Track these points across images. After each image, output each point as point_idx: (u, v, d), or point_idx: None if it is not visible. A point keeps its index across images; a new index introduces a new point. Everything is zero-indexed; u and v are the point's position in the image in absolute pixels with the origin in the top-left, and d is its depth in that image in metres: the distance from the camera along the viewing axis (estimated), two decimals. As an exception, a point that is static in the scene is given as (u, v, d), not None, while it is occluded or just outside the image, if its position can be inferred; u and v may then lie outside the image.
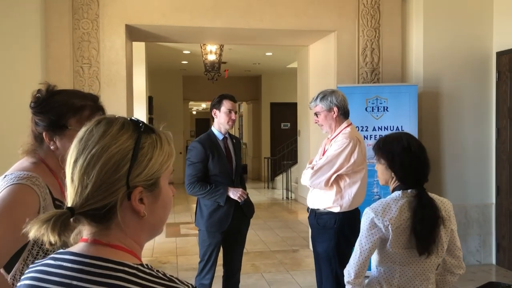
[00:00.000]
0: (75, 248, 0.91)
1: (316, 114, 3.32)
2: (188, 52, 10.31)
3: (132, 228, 0.94)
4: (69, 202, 0.91)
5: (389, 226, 2.01)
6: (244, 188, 3.71)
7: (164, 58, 10.91)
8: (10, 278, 1.42)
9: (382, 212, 2.02)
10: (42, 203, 1.43)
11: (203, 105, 22.60)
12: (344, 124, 3.28)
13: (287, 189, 11.11)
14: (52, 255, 0.93)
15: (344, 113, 3.27)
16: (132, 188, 0.90)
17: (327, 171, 3.16)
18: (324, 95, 3.27)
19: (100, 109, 1.62)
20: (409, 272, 2.06)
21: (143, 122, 0.96)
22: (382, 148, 2.12)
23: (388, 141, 2.12)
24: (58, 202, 1.51)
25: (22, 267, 1.42)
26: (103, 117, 0.96)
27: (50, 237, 0.85)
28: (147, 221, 0.95)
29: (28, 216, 1.36)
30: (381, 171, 2.13)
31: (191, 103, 16.54)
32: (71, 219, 0.88)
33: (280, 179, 12.13)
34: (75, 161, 0.91)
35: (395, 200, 2.06)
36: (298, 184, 10.45)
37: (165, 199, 0.98)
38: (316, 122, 3.36)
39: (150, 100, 9.91)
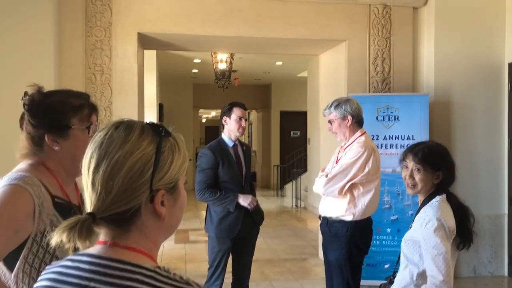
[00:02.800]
0: (93, 250, 0.91)
1: (330, 121, 3.32)
2: (199, 60, 10.36)
3: (151, 230, 0.95)
4: (90, 207, 0.91)
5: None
6: (254, 195, 3.71)
7: (175, 66, 10.97)
8: (14, 277, 1.42)
9: (445, 216, 2.12)
10: (37, 201, 1.43)
11: (213, 113, 22.66)
12: (358, 133, 3.28)
13: (296, 197, 11.08)
14: (69, 257, 0.92)
15: (358, 122, 3.27)
16: (155, 192, 0.92)
17: (341, 180, 3.16)
18: (338, 103, 3.27)
19: (94, 107, 1.62)
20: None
21: (163, 126, 0.97)
22: (432, 158, 2.20)
23: (437, 152, 2.22)
24: (58, 200, 1.50)
25: (24, 266, 1.42)
26: (120, 121, 0.96)
27: (78, 243, 0.85)
28: (165, 223, 0.96)
29: (21, 215, 1.38)
30: (422, 181, 2.21)
31: (201, 111, 16.57)
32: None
33: (289, 187, 12.09)
34: (97, 167, 0.91)
35: (444, 202, 2.17)
36: (307, 192, 10.40)
37: (182, 200, 1.00)
38: (329, 130, 3.36)
39: (160, 107, 9.96)
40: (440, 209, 2.10)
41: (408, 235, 2.19)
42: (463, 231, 2.11)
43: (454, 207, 2.12)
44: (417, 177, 2.21)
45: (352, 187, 3.19)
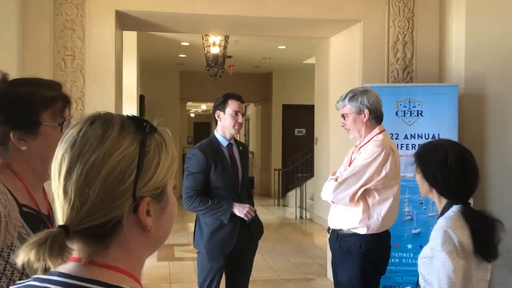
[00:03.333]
0: (65, 269, 0.89)
1: (343, 116, 3.33)
2: (187, 44, 10.36)
3: (134, 245, 0.94)
4: (62, 219, 0.89)
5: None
6: (252, 204, 3.72)
7: (158, 51, 10.96)
8: None
9: (456, 229, 2.14)
10: (3, 211, 1.42)
11: (203, 107, 22.67)
12: (376, 130, 3.29)
13: (301, 207, 11.10)
14: (37, 276, 0.91)
15: (376, 117, 3.29)
16: (139, 200, 0.91)
17: (353, 184, 3.17)
18: (354, 95, 3.29)
19: (68, 99, 1.62)
20: None
21: (147, 121, 0.96)
22: (421, 156, 2.24)
23: (426, 150, 2.24)
24: (26, 209, 1.50)
25: None
26: (95, 115, 0.94)
27: (49, 262, 0.84)
28: (152, 235, 0.95)
29: None
30: (419, 181, 2.27)
31: (189, 104, 16.55)
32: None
33: (293, 195, 12.11)
34: (69, 171, 0.89)
35: (456, 214, 2.18)
36: (314, 201, 10.42)
37: (172, 208, 1.00)
38: (343, 126, 3.37)
39: (141, 99, 9.96)
40: (452, 221, 2.13)
41: (423, 251, 2.22)
42: (482, 248, 2.11)
43: (470, 219, 2.13)
44: (416, 178, 2.29)
45: (366, 194, 3.20)
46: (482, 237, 2.13)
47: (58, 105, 1.56)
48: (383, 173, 3.16)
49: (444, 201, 2.24)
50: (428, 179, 2.22)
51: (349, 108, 3.29)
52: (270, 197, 13.88)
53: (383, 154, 3.16)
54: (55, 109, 1.55)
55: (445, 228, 2.14)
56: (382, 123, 3.37)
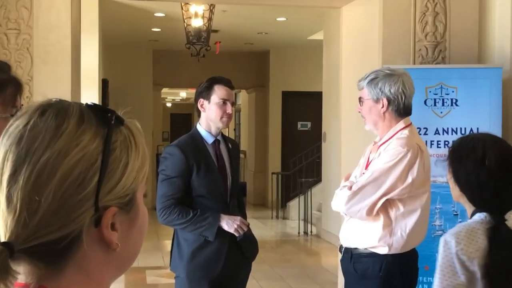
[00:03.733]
0: None
1: (360, 99, 3.37)
2: (162, 14, 10.35)
3: (96, 266, 0.93)
4: (5, 234, 0.88)
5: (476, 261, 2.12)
6: (244, 217, 3.72)
7: (126, 24, 10.93)
8: None
9: (467, 240, 2.13)
10: None
11: (183, 94, 22.67)
12: (400, 125, 3.30)
13: (305, 220, 11.13)
14: None
15: (398, 110, 3.29)
16: (102, 210, 0.90)
17: (371, 194, 3.17)
18: (375, 77, 3.31)
19: (20, 84, 1.63)
20: None
21: (111, 111, 0.96)
22: (455, 151, 2.25)
23: (462, 145, 2.25)
24: None
25: None
26: (47, 104, 0.93)
27: None
28: (118, 254, 0.95)
29: None
30: (450, 183, 2.29)
31: (164, 90, 16.53)
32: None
33: (295, 205, 12.14)
34: (14, 174, 0.88)
35: (481, 224, 2.17)
36: (322, 213, 10.45)
37: (142, 220, 1.00)
38: (359, 111, 3.41)
39: (104, 84, 9.96)
40: (465, 229, 2.15)
41: None
42: (495, 277, 2.09)
43: (492, 233, 2.11)
44: (448, 179, 2.31)
45: (388, 206, 3.21)
46: (501, 263, 2.09)
47: (8, 91, 1.56)
48: (409, 180, 3.17)
49: (470, 210, 2.25)
50: (459, 182, 2.22)
51: (366, 92, 3.33)
52: (266, 207, 13.90)
53: (409, 155, 3.17)
54: (5, 96, 1.56)
55: (446, 237, 2.15)
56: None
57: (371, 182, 3.19)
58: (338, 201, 3.30)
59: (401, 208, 3.22)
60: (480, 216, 2.17)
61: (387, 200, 3.20)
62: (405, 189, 3.18)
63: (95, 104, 0.96)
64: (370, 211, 3.19)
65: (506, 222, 2.16)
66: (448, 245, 2.13)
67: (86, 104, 0.96)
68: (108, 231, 0.91)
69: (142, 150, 0.98)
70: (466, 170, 2.19)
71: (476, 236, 2.12)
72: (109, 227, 0.92)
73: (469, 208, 2.25)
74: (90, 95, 7.94)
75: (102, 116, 0.94)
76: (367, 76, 3.34)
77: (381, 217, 3.22)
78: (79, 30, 5.66)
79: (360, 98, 3.37)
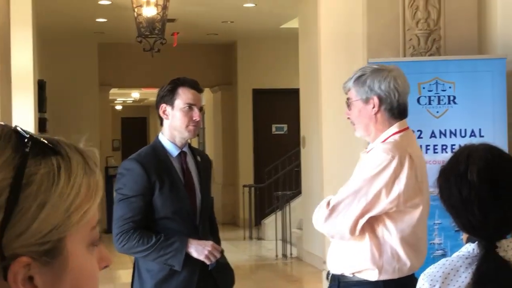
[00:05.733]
0: None
1: (347, 102, 3.39)
2: (108, 2, 10.33)
3: None
4: None
5: None
6: (217, 241, 3.74)
7: (66, 14, 10.89)
8: None
9: (443, 282, 2.09)
10: None
11: (135, 95, 22.53)
12: (394, 129, 3.31)
13: (283, 240, 11.09)
14: None
15: (392, 109, 3.29)
16: (10, 259, 0.87)
17: (351, 210, 3.17)
18: (362, 74, 3.32)
19: None
20: None
21: (30, 134, 0.93)
22: (441, 168, 2.22)
23: (449, 159, 2.22)
24: None
25: None
26: None
27: None
28: None
29: None
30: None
31: (113, 91, 16.43)
32: None
33: (271, 223, 12.09)
34: None
35: (466, 259, 2.12)
36: (303, 231, 10.47)
37: (80, 276, 0.95)
38: (348, 117, 3.41)
39: (41, 86, 9.88)
40: (442, 269, 2.11)
41: None
42: None
43: (482, 271, 2.06)
44: None
45: (374, 222, 3.21)
46: None
47: None
48: (395, 192, 3.15)
49: (465, 235, 2.19)
50: (443, 199, 2.17)
51: (353, 93, 3.34)
52: (237, 226, 13.91)
53: (394, 163, 3.15)
54: None
55: (420, 277, 2.13)
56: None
57: (350, 196, 3.18)
58: (316, 220, 3.30)
59: (390, 224, 3.21)
60: (467, 248, 2.13)
61: (372, 216, 3.19)
62: (391, 204, 3.16)
63: (20, 128, 0.94)
64: (352, 230, 3.17)
65: (504, 253, 2.09)
66: (426, 283, 2.09)
67: (14, 126, 0.94)
68: (17, 286, 0.87)
69: (81, 183, 0.94)
70: (449, 185, 2.14)
71: (457, 275, 2.07)
72: (20, 282, 0.87)
73: (464, 236, 2.20)
74: (24, 99, 7.88)
75: (18, 140, 0.92)
76: (353, 76, 3.35)
77: (367, 236, 3.21)
78: (8, 24, 5.63)
79: (347, 101, 3.38)
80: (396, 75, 3.31)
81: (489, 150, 2.19)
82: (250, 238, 12.85)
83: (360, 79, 3.32)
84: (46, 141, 0.94)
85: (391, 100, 3.29)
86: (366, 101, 3.30)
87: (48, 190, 0.90)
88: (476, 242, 2.12)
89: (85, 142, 1.00)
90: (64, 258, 0.92)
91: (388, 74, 3.30)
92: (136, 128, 23.30)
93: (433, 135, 5.11)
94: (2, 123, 0.95)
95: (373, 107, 3.29)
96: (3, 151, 0.89)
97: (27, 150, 0.91)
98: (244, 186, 13.41)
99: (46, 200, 0.89)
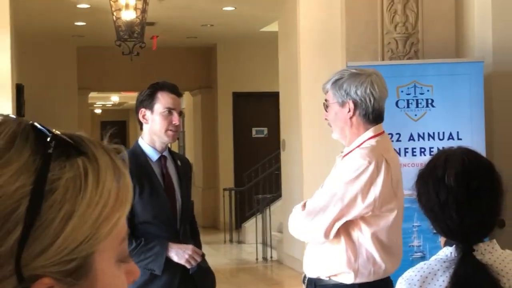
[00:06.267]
0: None
1: (325, 104, 3.43)
2: (87, 6, 10.30)
3: None
4: None
5: None
6: (198, 245, 3.75)
7: (44, 18, 10.85)
8: None
9: (420, 286, 2.11)
10: None
11: (115, 98, 22.46)
12: (369, 133, 3.34)
13: (264, 244, 11.12)
14: None
15: (367, 114, 3.33)
16: (30, 281, 0.76)
17: (326, 214, 3.19)
18: (339, 78, 3.35)
19: None
20: None
21: (52, 132, 0.81)
22: (419, 172, 2.24)
23: (427, 164, 2.25)
24: None
25: None
26: None
27: None
28: None
29: None
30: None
31: (93, 95, 16.39)
32: None
33: (251, 227, 12.08)
34: None
35: (444, 262, 2.15)
36: (283, 235, 10.48)
37: None
38: (325, 118, 3.45)
39: (19, 90, 9.83)
40: (420, 273, 2.15)
41: None
42: None
43: (460, 273, 2.08)
44: None
45: (350, 226, 3.24)
46: None
47: None
48: (371, 197, 3.18)
49: (443, 238, 2.22)
50: (421, 204, 2.20)
51: (331, 95, 3.38)
52: (218, 230, 13.90)
53: (370, 168, 3.18)
54: None
55: (398, 281, 2.16)
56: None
57: (326, 200, 3.21)
58: (291, 222, 3.33)
59: (365, 227, 3.24)
60: (445, 252, 2.16)
61: (347, 220, 3.22)
62: (366, 208, 3.19)
63: (39, 124, 0.82)
64: (326, 234, 3.20)
65: (481, 256, 2.12)
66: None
67: (31, 122, 0.82)
68: None
69: (112, 190, 0.82)
70: (427, 189, 2.17)
71: (435, 279, 2.10)
72: None
73: (442, 240, 2.23)
74: (2, 104, 7.83)
75: (39, 140, 0.79)
76: (332, 78, 3.39)
77: (342, 239, 3.24)
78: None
79: (325, 102, 3.42)
80: (373, 79, 3.33)
81: (466, 154, 2.21)
82: (231, 241, 12.85)
83: (337, 83, 3.35)
84: (70, 140, 0.81)
85: (366, 106, 3.32)
86: (342, 104, 3.34)
87: (74, 198, 0.78)
88: (454, 246, 2.14)
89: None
90: (92, 277, 0.80)
91: (365, 80, 3.32)
92: (116, 131, 23.16)
93: (411, 138, 5.15)
94: (13, 116, 0.82)
95: (348, 111, 3.33)
96: (20, 152, 0.78)
97: (49, 151, 0.79)
98: (225, 189, 13.39)
99: (72, 210, 0.77)
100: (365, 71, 3.42)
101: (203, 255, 3.68)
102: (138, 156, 3.67)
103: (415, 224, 4.94)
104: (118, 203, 0.84)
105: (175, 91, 3.73)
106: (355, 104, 3.32)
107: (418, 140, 5.15)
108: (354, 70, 3.44)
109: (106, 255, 0.82)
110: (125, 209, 0.85)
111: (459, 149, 2.27)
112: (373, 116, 3.35)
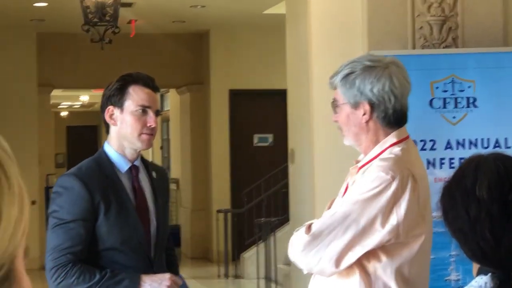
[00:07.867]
0: None
1: (333, 103, 3.39)
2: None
3: None
4: None
5: None
6: (176, 273, 3.73)
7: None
8: None
9: None
10: None
11: (84, 98, 22.55)
12: (391, 139, 3.31)
13: (267, 279, 11.19)
14: None
15: (387, 117, 3.29)
16: None
17: (336, 240, 3.18)
18: (350, 72, 3.30)
19: None
20: None
21: None
22: (445, 184, 2.23)
23: (454, 173, 2.23)
24: None
25: None
26: None
27: None
28: None
29: None
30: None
31: (56, 93, 16.42)
32: None
33: (252, 258, 12.16)
34: None
35: None
36: (291, 267, 10.49)
37: None
38: (335, 121, 3.40)
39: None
40: None
41: None
42: None
43: None
44: None
45: (365, 256, 3.22)
46: None
47: None
48: (394, 221, 3.16)
49: (476, 265, 2.20)
50: (447, 221, 2.19)
51: (340, 94, 3.34)
52: (210, 261, 13.97)
53: (394, 185, 3.15)
54: None
55: None
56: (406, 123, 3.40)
57: (336, 221, 3.19)
58: (292, 247, 3.32)
59: (384, 257, 3.22)
60: (478, 282, 2.13)
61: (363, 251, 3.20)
62: (388, 235, 3.17)
63: None
64: (336, 264, 3.19)
65: None
66: None
67: None
68: None
69: (18, 187, 0.88)
70: (454, 204, 2.16)
71: None
72: None
73: (474, 267, 2.21)
74: None
75: None
76: (340, 71, 3.33)
77: (356, 272, 3.22)
78: None
79: (333, 103, 3.38)
80: (392, 72, 3.28)
81: (501, 160, 2.19)
82: (226, 276, 12.91)
83: (348, 78, 3.30)
84: None
85: (385, 107, 3.29)
86: (355, 106, 3.30)
87: None
88: (489, 274, 2.12)
89: None
90: (17, 284, 0.88)
91: (382, 73, 3.27)
92: (85, 139, 23.27)
93: (448, 145, 5.15)
94: None
95: (364, 114, 3.29)
96: None
97: None
98: (219, 211, 13.46)
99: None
100: (381, 60, 3.37)
101: (184, 285, 3.68)
102: (103, 166, 3.67)
103: (452, 253, 4.86)
104: (24, 199, 0.89)
105: (151, 85, 3.72)
106: (372, 105, 3.28)
107: (457, 148, 5.13)
108: (367, 62, 3.34)
109: (20, 259, 0.89)
110: (27, 211, 0.90)
111: (492, 155, 2.25)
112: (394, 117, 3.32)
